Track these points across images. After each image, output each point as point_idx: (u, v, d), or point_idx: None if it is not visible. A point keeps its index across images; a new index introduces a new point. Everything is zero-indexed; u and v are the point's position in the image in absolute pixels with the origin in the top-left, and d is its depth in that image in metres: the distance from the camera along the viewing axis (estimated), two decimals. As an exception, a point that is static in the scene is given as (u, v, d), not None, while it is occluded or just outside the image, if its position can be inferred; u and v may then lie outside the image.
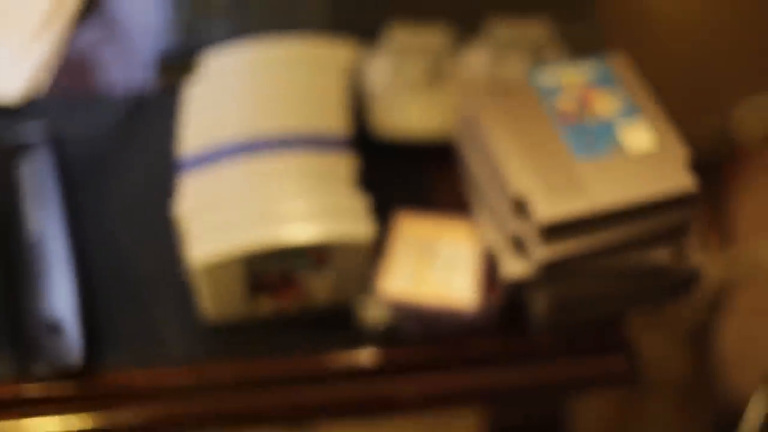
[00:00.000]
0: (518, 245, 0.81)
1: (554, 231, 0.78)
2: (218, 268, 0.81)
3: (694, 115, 1.58)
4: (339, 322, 0.87)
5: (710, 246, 1.42)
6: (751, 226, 1.46)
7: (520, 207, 0.80)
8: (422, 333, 0.85)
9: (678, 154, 0.82)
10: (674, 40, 1.50)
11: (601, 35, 1.08)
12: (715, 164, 1.57)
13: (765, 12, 1.53)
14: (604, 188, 0.79)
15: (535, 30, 1.00)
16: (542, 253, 0.79)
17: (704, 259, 0.85)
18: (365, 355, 0.85)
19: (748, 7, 1.52)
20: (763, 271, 1.39)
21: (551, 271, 0.80)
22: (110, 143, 0.99)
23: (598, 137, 0.83)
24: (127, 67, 1.07)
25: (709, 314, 1.44)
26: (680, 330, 1.46)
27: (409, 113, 0.97)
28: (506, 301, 0.85)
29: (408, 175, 0.96)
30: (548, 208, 0.78)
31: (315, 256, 0.82)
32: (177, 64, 1.04)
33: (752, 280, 1.39)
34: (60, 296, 0.84)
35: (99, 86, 1.06)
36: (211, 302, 0.84)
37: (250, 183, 0.84)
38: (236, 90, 0.91)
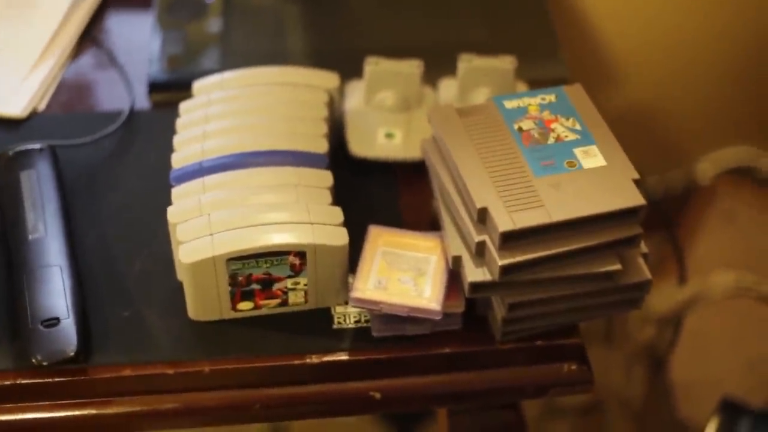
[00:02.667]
0: (480, 254, 0.88)
1: (513, 238, 0.85)
2: (203, 268, 0.88)
3: (659, 161, 1.66)
4: (315, 326, 0.93)
5: (668, 277, 1.49)
6: (705, 261, 1.54)
7: (482, 217, 0.87)
8: (392, 336, 0.92)
9: (627, 173, 0.89)
10: (639, 90, 1.58)
11: (565, 75, 1.16)
12: (676, 208, 1.65)
13: (729, 74, 1.61)
14: (560, 201, 0.87)
15: (502, 66, 1.08)
16: (501, 259, 0.86)
17: (659, 281, 0.92)
18: (338, 356, 0.92)
19: (715, 68, 1.60)
20: (711, 298, 1.46)
21: (509, 276, 0.86)
22: (105, 154, 1.07)
23: (555, 157, 0.90)
24: (121, 90, 1.15)
25: (663, 338, 1.51)
26: (637, 351, 1.53)
27: (381, 135, 1.04)
28: (469, 307, 0.92)
29: (380, 191, 1.04)
30: (509, 218, 0.85)
31: (293, 260, 0.89)
32: (167, 89, 1.11)
33: (702, 306, 1.46)
34: (57, 293, 0.91)
35: (94, 106, 1.14)
36: (196, 302, 0.91)
37: (236, 193, 0.91)
38: (225, 110, 0.99)
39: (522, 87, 1.10)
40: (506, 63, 1.07)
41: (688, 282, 1.49)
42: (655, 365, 1.53)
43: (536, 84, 1.09)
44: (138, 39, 1.22)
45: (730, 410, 1.39)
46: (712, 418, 1.39)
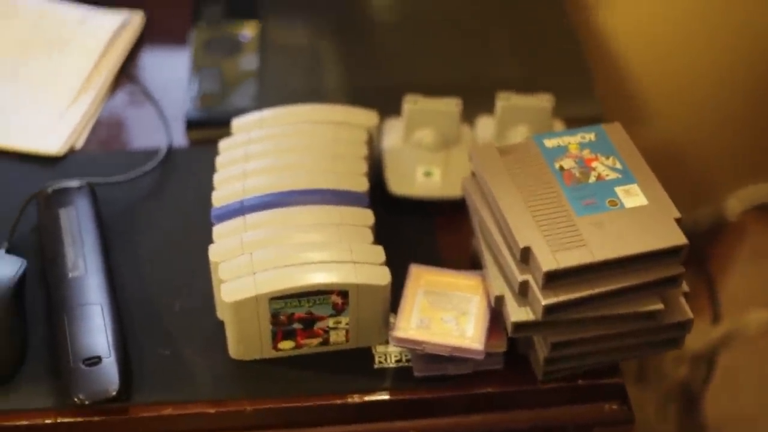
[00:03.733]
0: (523, 293, 0.88)
1: (556, 278, 0.85)
2: (245, 307, 0.87)
3: (687, 198, 1.66)
4: (356, 365, 0.93)
5: (701, 314, 1.48)
6: (736, 298, 1.53)
7: (525, 256, 0.87)
8: (434, 376, 0.92)
9: (669, 212, 0.89)
10: (665, 127, 1.57)
11: (599, 112, 1.16)
12: (704, 245, 1.64)
13: (756, 109, 1.61)
14: (603, 240, 0.86)
15: (539, 104, 1.08)
16: (545, 299, 0.85)
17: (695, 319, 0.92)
18: (380, 395, 0.91)
19: (742, 104, 1.59)
20: (745, 335, 1.46)
21: (552, 316, 0.86)
22: (143, 192, 1.07)
23: (597, 196, 0.90)
24: (157, 127, 1.15)
25: (697, 376, 1.50)
26: (670, 389, 1.52)
27: (420, 173, 1.04)
28: (510, 347, 0.92)
29: (419, 229, 1.04)
30: (552, 258, 0.85)
31: (335, 300, 0.89)
32: (204, 126, 1.12)
33: (736, 343, 1.45)
34: (98, 331, 0.91)
35: (131, 144, 1.15)
36: (238, 341, 0.91)
37: (278, 232, 0.91)
38: (265, 148, 0.99)
39: (558, 125, 1.10)
40: (544, 101, 1.07)
41: (722, 319, 1.49)
42: (689, 403, 1.52)
43: (572, 122, 1.09)
44: (174, 76, 1.22)
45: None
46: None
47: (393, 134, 1.09)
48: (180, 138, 1.14)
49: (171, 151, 1.12)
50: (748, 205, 1.81)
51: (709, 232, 1.67)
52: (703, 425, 1.55)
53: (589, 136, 0.96)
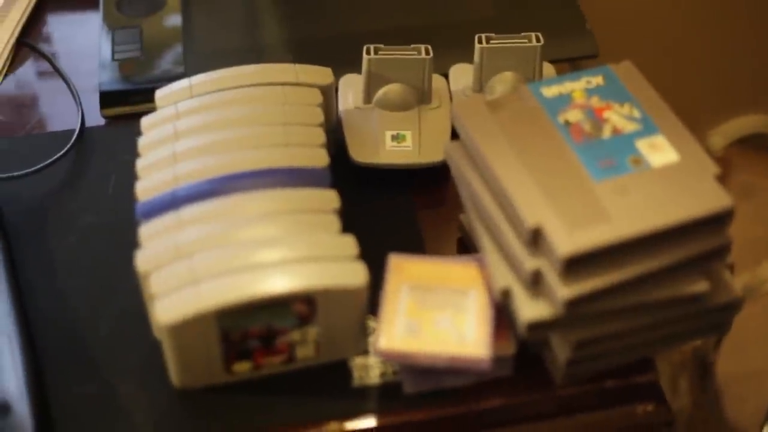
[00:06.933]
0: (535, 284, 0.70)
1: (577, 264, 0.68)
2: (187, 327, 0.70)
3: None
4: (331, 384, 0.76)
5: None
6: (738, 242, 1.39)
7: (535, 239, 0.69)
8: (428, 391, 0.74)
9: (706, 168, 0.73)
10: (653, 63, 1.45)
11: (595, 50, 0.99)
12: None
13: (736, 39, 1.50)
14: (630, 212, 0.69)
15: (527, 44, 0.90)
16: (565, 290, 0.68)
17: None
18: (363, 420, 0.74)
19: (723, 42, 1.48)
20: (761, 293, 1.33)
21: (575, 311, 0.69)
22: (53, 186, 0.90)
23: (615, 154, 0.73)
24: (68, 105, 0.98)
25: (709, 341, 1.37)
26: (683, 360, 1.39)
27: (388, 137, 0.87)
28: (521, 348, 0.74)
29: (393, 205, 0.88)
30: (569, 238, 0.68)
31: (299, 308, 0.71)
32: (123, 100, 0.94)
33: (750, 300, 1.32)
34: (5, 371, 0.73)
35: (37, 127, 0.97)
36: (181, 368, 0.73)
37: (221, 228, 0.73)
38: (198, 123, 0.81)
39: (549, 70, 0.93)
40: (531, 40, 0.89)
41: (736, 272, 1.33)
42: (702, 370, 1.37)
43: (565, 65, 0.94)
44: (84, 43, 1.04)
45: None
46: (766, 422, 1.24)
47: (352, 93, 0.92)
48: (95, 116, 0.96)
49: (85, 133, 0.95)
50: (731, 139, 1.70)
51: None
52: (715, 392, 1.41)
53: (596, 79, 0.79)
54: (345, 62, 0.93)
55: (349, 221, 0.77)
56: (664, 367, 1.37)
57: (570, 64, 0.99)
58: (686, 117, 1.55)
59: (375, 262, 0.76)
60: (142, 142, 0.82)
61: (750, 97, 1.65)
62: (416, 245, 0.83)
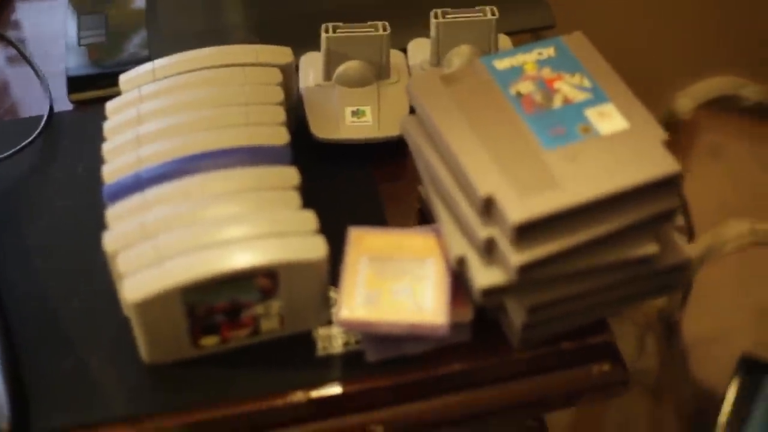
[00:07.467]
0: (489, 251, 0.73)
1: (529, 231, 0.70)
2: (153, 304, 0.72)
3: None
4: (296, 355, 0.78)
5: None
6: (696, 203, 1.41)
7: (488, 208, 0.71)
8: (390, 358, 0.76)
9: (654, 135, 0.75)
10: (617, 29, 1.46)
11: (551, 20, 1.01)
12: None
13: (700, 11, 1.52)
14: (579, 179, 0.72)
15: (482, 18, 0.91)
16: (517, 257, 0.70)
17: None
18: (328, 388, 0.76)
19: (690, 6, 1.51)
20: (723, 252, 1.35)
21: (528, 276, 0.71)
22: (22, 171, 0.91)
23: (566, 123, 0.75)
24: (35, 91, 0.98)
25: (674, 300, 1.39)
26: (648, 320, 1.41)
27: (348, 113, 0.89)
28: (479, 314, 0.76)
29: (354, 180, 0.89)
30: (520, 206, 0.70)
31: (262, 282, 0.73)
32: (91, 85, 0.95)
33: (712, 259, 1.35)
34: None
35: (4, 113, 0.98)
36: (150, 344, 0.75)
37: (185, 207, 0.75)
38: (161, 106, 0.82)
39: (505, 42, 0.94)
40: (487, 14, 0.91)
41: (697, 235, 1.36)
42: (668, 331, 1.40)
43: (522, 37, 0.94)
44: (55, 28, 1.05)
45: (752, 368, 1.27)
46: (733, 378, 1.26)
47: (312, 71, 0.93)
48: (63, 101, 0.97)
49: (53, 118, 0.95)
50: (699, 101, 1.73)
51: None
52: (682, 351, 1.43)
53: (548, 51, 0.80)
54: (306, 41, 0.94)
55: (312, 196, 0.78)
56: (629, 327, 1.40)
57: (532, 35, 1.00)
58: (654, 80, 1.57)
59: (338, 235, 0.78)
60: (107, 126, 0.83)
61: (717, 60, 1.67)
62: (377, 218, 0.85)
